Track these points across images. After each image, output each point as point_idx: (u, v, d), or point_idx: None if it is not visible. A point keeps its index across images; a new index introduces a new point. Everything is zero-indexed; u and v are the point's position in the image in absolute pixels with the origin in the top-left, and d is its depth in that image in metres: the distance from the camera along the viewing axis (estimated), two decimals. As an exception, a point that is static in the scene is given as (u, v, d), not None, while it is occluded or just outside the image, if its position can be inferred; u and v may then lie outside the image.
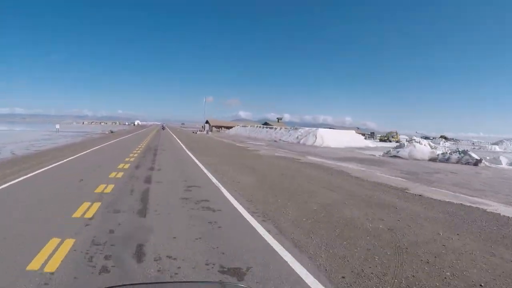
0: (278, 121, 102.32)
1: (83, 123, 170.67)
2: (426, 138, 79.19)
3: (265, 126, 66.29)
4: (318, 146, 38.31)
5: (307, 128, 45.64)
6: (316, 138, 40.93)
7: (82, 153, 17.28)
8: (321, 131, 43.07)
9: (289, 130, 46.63)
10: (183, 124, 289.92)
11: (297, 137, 42.98)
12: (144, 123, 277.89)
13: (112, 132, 49.42)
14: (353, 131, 53.39)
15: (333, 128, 52.44)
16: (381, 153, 27.47)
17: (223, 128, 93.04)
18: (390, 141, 55.94)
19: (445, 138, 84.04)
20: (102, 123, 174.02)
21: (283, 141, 43.13)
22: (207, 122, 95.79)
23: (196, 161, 15.10)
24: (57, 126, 45.09)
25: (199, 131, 71.92)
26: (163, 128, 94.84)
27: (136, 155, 17.45)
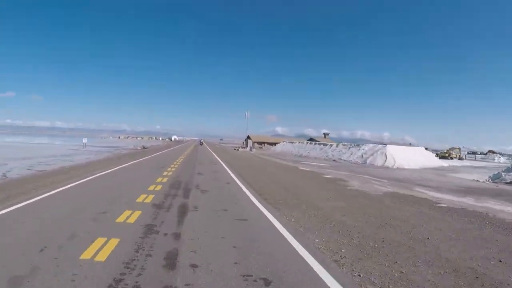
0: (324, 137, 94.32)
1: (119, 137, 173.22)
2: (474, 153, 69.13)
3: (313, 142, 59.45)
4: (389, 167, 30.89)
5: (371, 145, 37.91)
6: (386, 157, 33.22)
7: (90, 177, 12.42)
8: (391, 148, 35.21)
9: (349, 148, 39.23)
10: (221, 140, 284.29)
11: (362, 155, 35.49)
12: (182, 138, 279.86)
13: (144, 147, 46.16)
14: (422, 148, 44.55)
15: (373, 144, 44.19)
16: (484, 177, 21.56)
17: (265, 144, 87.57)
18: (452, 158, 53.77)
19: (493, 152, 75.96)
20: (138, 138, 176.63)
21: (344, 160, 35.88)
22: (248, 137, 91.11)
23: (257, 203, 8.93)
24: (84, 141, 41.06)
25: (241, 147, 67.30)
26: (201, 143, 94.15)
27: (165, 180, 12.40)
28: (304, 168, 22.37)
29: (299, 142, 58.28)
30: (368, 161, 33.33)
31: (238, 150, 56.27)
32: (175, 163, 21.84)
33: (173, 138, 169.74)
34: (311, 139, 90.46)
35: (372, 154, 34.62)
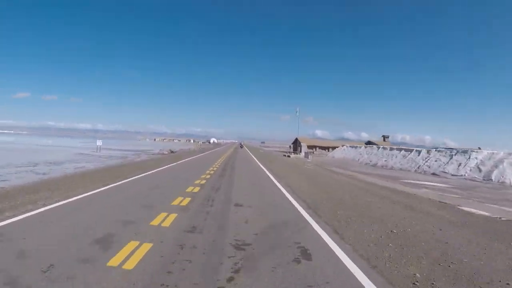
0: (384, 140, 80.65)
1: (154, 139, 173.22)
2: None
3: (377, 146, 48.49)
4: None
5: (486, 152, 26.67)
6: (522, 171, 22.42)
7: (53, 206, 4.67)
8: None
9: (450, 155, 28.29)
10: (263, 143, 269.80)
11: (477, 167, 24.64)
12: (220, 140, 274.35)
13: (172, 152, 38.78)
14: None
15: (416, 147, 31.90)
16: None
17: (317, 148, 77.22)
18: None
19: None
20: (175, 140, 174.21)
21: (452, 174, 25.20)
22: (296, 141, 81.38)
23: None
24: (99, 143, 34.57)
25: (291, 153, 57.84)
26: (241, 146, 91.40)
27: (184, 214, 4.71)
28: (426, 197, 12.65)
29: (365, 147, 47.71)
30: (494, 178, 22.50)
31: (289, 156, 47.68)
32: (213, 168, 16.25)
33: (211, 141, 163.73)
34: (369, 142, 77.82)
35: (496, 166, 23.68)
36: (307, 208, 8.16)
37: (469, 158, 26.23)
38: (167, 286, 3.40)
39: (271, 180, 15.23)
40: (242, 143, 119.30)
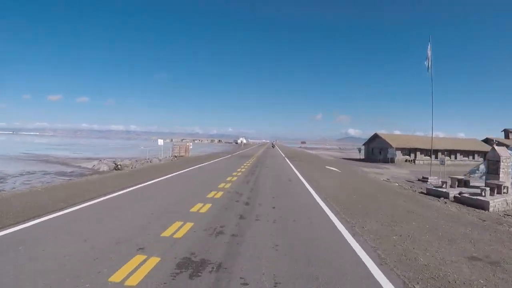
0: (508, 137, 47.68)
1: (171, 140, 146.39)
2: None
3: None
4: None
5: None
6: None
7: None
8: None
9: None
10: (303, 143, 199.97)
11: None
12: (252, 140, 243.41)
13: (117, 167, 15.28)
14: None
15: None
16: None
17: (419, 153, 44.06)
18: None
19: None
20: (196, 141, 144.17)
21: None
22: (376, 136, 49.63)
23: None
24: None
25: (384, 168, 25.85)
26: (273, 146, 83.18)
27: None
28: None
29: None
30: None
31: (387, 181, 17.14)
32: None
33: (239, 141, 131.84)
34: (487, 140, 45.75)
35: None
36: None
37: None
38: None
39: None
40: (273, 143, 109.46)
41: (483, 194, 10.66)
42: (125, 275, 3.36)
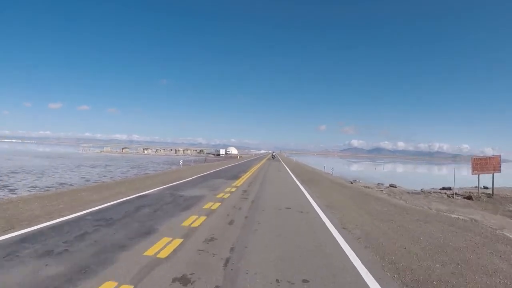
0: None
1: (170, 150, 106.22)
2: None
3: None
4: None
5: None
6: None
7: None
8: None
9: None
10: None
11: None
12: (256, 151, 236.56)
13: None
14: None
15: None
16: None
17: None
18: None
19: None
20: (188, 151, 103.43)
21: None
22: None
23: None
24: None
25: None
26: (273, 157, 75.94)
27: None
28: None
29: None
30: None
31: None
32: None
33: (222, 152, 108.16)
34: None
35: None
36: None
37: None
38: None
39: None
40: (274, 154, 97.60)
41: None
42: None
